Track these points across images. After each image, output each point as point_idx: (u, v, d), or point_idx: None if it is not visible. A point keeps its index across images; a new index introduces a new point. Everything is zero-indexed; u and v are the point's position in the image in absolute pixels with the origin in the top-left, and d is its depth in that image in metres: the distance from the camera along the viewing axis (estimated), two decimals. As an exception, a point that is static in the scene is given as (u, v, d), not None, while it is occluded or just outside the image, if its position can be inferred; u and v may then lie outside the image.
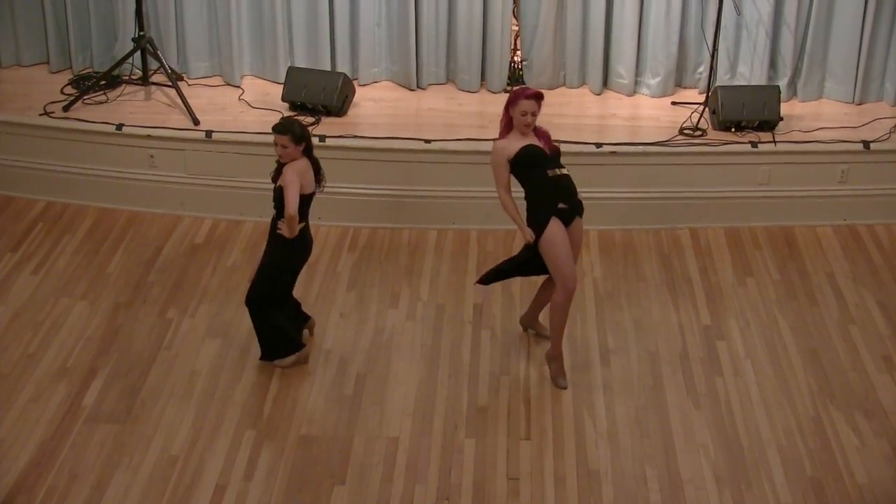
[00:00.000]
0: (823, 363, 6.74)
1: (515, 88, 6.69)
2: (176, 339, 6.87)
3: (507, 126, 6.43)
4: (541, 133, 6.47)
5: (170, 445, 6.04)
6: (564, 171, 6.41)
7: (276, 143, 6.30)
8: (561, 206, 6.32)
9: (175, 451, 6.00)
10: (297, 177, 6.23)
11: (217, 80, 8.81)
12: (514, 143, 6.40)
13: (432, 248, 7.84)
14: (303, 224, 6.34)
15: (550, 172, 6.35)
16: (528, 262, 6.50)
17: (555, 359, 6.53)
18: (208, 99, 8.53)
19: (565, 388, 6.47)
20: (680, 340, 6.93)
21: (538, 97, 6.37)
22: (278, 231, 6.33)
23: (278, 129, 6.31)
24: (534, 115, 6.34)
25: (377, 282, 7.46)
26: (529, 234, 6.34)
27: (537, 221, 6.33)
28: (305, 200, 6.33)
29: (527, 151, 6.36)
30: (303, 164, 6.30)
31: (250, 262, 7.55)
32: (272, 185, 6.37)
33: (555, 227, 6.30)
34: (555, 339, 6.52)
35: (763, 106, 8.09)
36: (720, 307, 7.25)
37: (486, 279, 6.72)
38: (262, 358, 6.65)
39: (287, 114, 8.09)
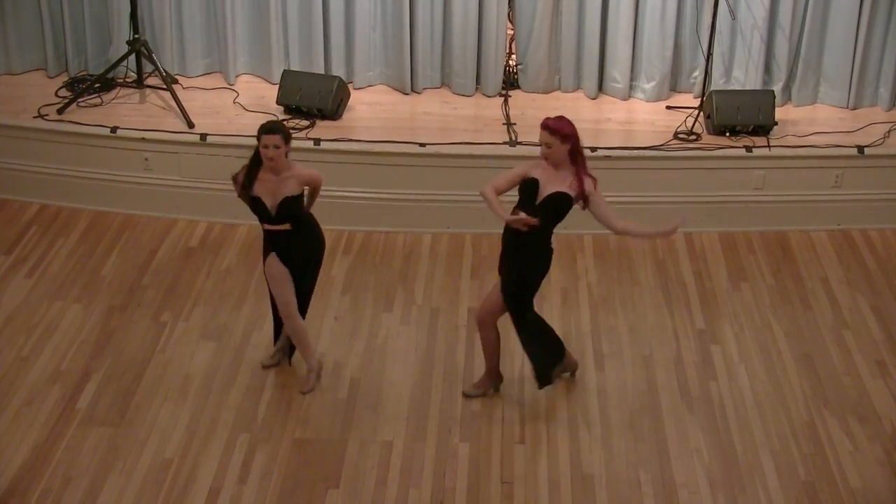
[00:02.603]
0: (817, 368, 6.74)
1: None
2: (170, 342, 6.86)
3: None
4: (580, 177, 5.77)
5: (164, 449, 6.03)
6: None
7: (267, 146, 5.90)
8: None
9: (169, 455, 5.99)
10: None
11: (212, 84, 8.81)
12: (552, 184, 5.76)
13: (427, 251, 7.83)
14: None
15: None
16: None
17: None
18: (203, 102, 8.52)
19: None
20: (674, 345, 6.93)
21: (544, 126, 5.70)
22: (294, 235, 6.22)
23: (270, 128, 5.94)
24: (547, 145, 5.66)
25: (371, 286, 7.46)
26: (527, 218, 5.74)
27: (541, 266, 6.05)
28: (300, 200, 6.20)
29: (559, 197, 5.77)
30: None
31: (245, 266, 7.56)
32: (272, 203, 6.08)
33: None
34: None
35: (758, 110, 8.10)
36: (714, 312, 7.25)
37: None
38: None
39: (282, 117, 8.09)
